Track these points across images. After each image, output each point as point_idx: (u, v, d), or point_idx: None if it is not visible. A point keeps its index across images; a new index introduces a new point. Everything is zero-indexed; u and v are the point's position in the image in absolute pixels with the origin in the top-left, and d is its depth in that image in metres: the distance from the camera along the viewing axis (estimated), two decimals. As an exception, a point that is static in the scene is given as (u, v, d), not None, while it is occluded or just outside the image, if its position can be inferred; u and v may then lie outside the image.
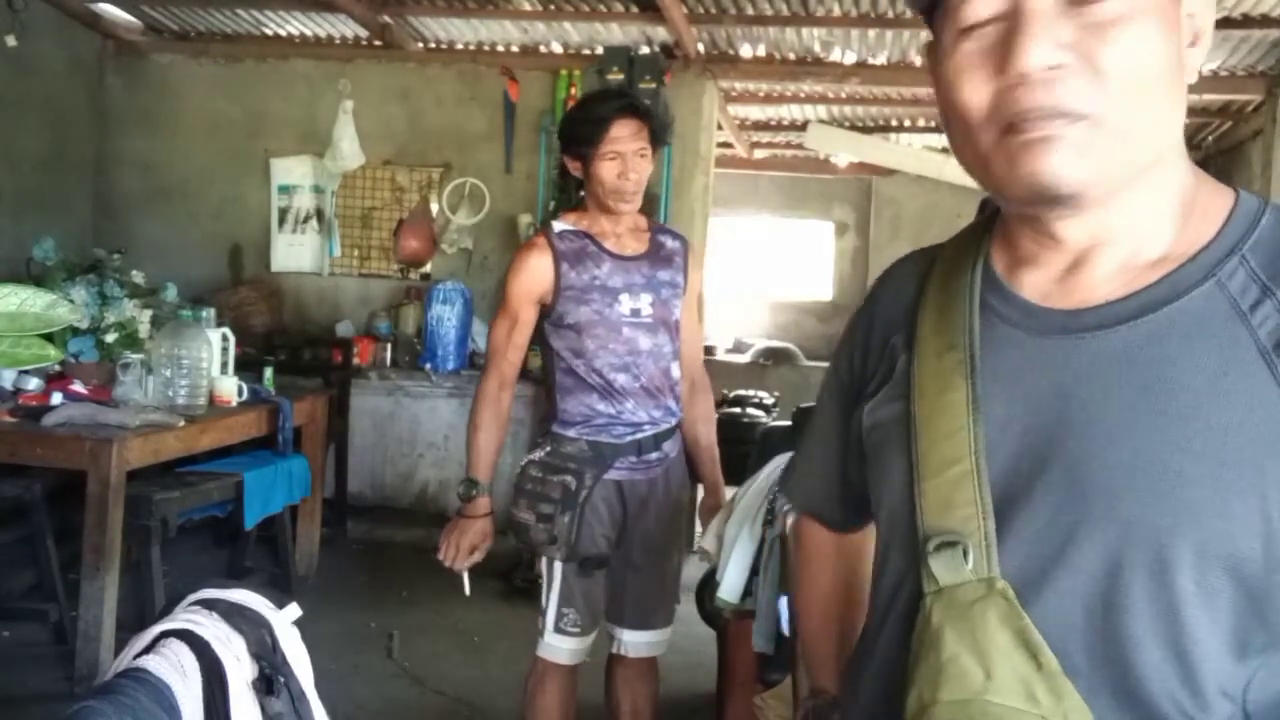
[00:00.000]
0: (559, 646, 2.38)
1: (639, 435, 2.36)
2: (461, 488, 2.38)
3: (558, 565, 2.35)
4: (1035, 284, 0.80)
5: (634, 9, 5.07)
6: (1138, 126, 0.72)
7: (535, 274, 2.33)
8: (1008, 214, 0.83)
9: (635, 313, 2.34)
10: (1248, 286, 0.72)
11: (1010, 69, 0.71)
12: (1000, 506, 0.76)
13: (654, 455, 2.39)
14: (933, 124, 6.96)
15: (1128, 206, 0.76)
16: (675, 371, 2.44)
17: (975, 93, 0.74)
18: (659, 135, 2.34)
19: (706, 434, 2.59)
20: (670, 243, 2.46)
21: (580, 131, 2.32)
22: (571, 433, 2.35)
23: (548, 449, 2.36)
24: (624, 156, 2.28)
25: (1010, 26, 0.72)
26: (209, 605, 1.38)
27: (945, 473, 0.79)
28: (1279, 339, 0.70)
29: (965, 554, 0.76)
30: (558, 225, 2.38)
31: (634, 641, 2.45)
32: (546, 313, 2.35)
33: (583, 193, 2.40)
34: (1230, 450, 0.69)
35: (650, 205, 2.43)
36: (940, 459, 0.79)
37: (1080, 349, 0.76)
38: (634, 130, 2.29)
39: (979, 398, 0.79)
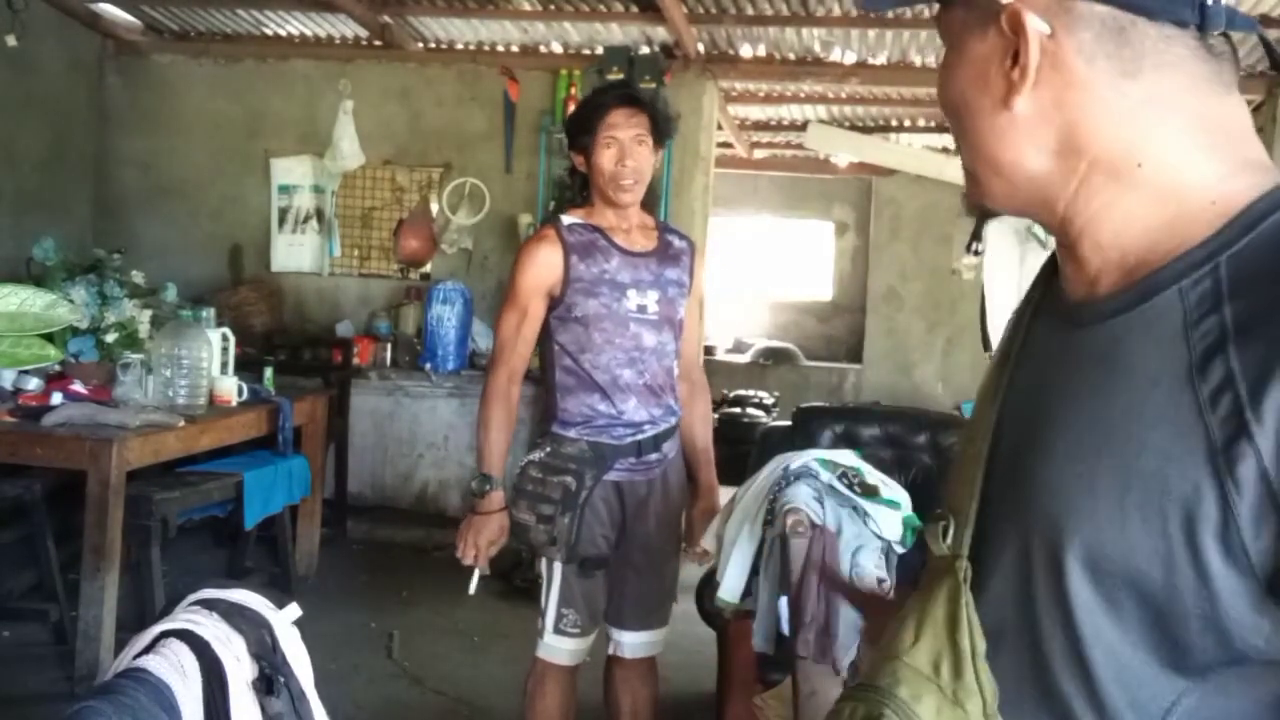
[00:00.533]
0: (559, 647, 2.38)
1: (639, 436, 2.36)
2: (474, 483, 2.36)
3: (557, 566, 2.35)
4: (1065, 276, 0.83)
5: (634, 9, 5.07)
6: (977, 160, 0.81)
7: (545, 266, 2.33)
8: None
9: (641, 309, 2.35)
10: (1205, 297, 0.68)
11: None
12: (992, 487, 0.81)
13: (653, 456, 2.39)
14: (933, 124, 6.96)
15: (1048, 211, 0.79)
16: (677, 370, 2.44)
17: None
18: (660, 126, 2.35)
19: (704, 435, 2.59)
20: (678, 242, 2.47)
21: (581, 122, 2.35)
22: (572, 433, 2.35)
23: (548, 449, 2.36)
24: (621, 143, 2.29)
25: None
26: (209, 605, 1.38)
27: (967, 452, 0.85)
28: (1209, 357, 0.66)
29: (945, 531, 0.82)
30: (566, 219, 2.39)
31: (632, 642, 2.46)
32: (553, 305, 2.35)
33: (585, 192, 2.42)
34: (1141, 465, 0.68)
35: (651, 205, 2.44)
36: (969, 439, 0.86)
37: (1067, 342, 0.78)
38: (631, 117, 2.31)
39: (1005, 387, 0.84)
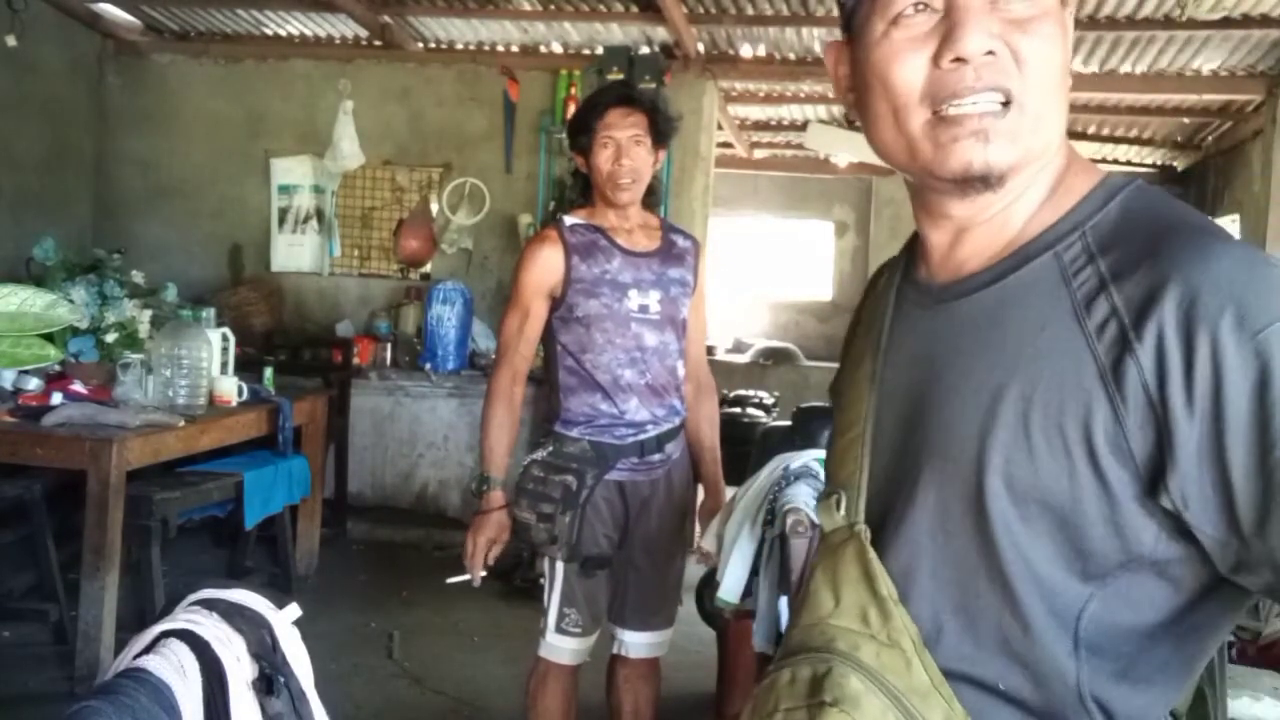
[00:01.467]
0: (560, 646, 2.38)
1: (641, 436, 2.36)
2: (473, 484, 2.39)
3: (559, 565, 2.36)
4: (931, 264, 0.91)
5: (634, 9, 5.07)
6: (1047, 112, 0.82)
7: (546, 267, 2.34)
8: (913, 195, 0.91)
9: (643, 309, 2.35)
10: (1079, 256, 0.79)
11: (949, 54, 0.80)
12: (878, 461, 0.89)
13: (656, 456, 2.39)
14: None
15: (1010, 186, 0.83)
16: (680, 370, 2.44)
17: (911, 74, 0.82)
18: (660, 127, 2.36)
19: (710, 435, 2.59)
20: (682, 242, 2.47)
21: (579, 123, 2.36)
22: (574, 433, 2.35)
23: (550, 449, 2.36)
24: (617, 143, 2.30)
25: (949, 18, 0.81)
26: (209, 605, 1.38)
27: (846, 435, 0.94)
28: (1092, 298, 0.77)
29: (839, 503, 0.90)
30: (568, 219, 2.39)
31: (635, 642, 2.45)
32: (555, 306, 2.36)
33: (587, 193, 2.42)
34: (1038, 395, 0.77)
35: (652, 205, 2.45)
36: (845, 424, 0.95)
37: (946, 316, 0.87)
38: (627, 116, 2.31)
39: (879, 372, 0.92)
